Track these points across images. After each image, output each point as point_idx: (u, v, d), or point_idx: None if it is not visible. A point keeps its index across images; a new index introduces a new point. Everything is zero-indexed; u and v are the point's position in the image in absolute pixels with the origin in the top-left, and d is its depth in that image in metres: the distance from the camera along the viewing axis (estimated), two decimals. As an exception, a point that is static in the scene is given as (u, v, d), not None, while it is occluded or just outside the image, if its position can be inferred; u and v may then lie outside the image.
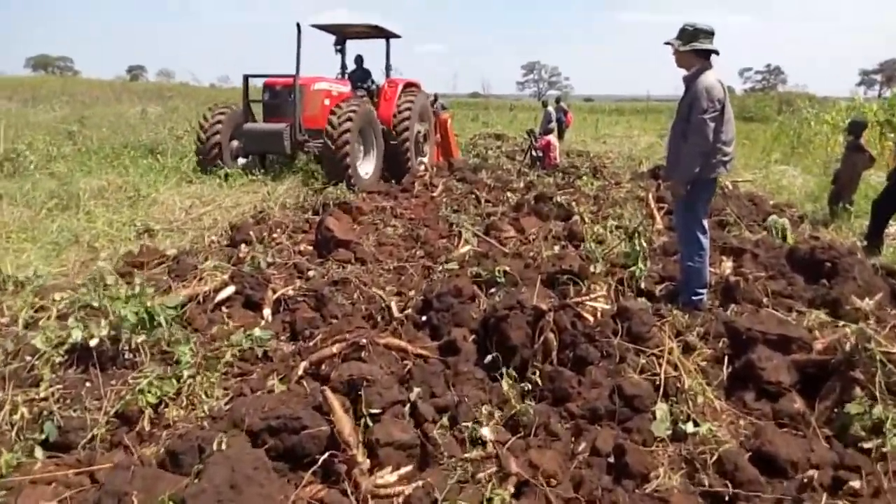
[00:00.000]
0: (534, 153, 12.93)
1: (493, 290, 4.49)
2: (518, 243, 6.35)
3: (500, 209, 8.11)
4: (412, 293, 4.52)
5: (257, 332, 3.82)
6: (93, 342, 3.14)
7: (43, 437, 2.77)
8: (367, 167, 9.82)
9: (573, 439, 2.99)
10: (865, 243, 6.47)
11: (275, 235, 5.92)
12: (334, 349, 3.39)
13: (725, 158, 4.38)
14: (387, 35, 11.24)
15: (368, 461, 2.57)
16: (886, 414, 2.87)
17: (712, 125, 4.20)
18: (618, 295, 4.70)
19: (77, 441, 2.80)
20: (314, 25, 10.62)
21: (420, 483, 2.45)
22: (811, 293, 4.68)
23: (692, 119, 4.23)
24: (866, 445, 2.81)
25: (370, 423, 2.90)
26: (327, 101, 9.92)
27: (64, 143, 12.11)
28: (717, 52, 4.30)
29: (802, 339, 3.52)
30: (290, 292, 4.46)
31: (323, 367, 3.43)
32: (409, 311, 4.20)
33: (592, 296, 3.85)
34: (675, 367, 3.39)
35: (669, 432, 2.96)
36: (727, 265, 5.22)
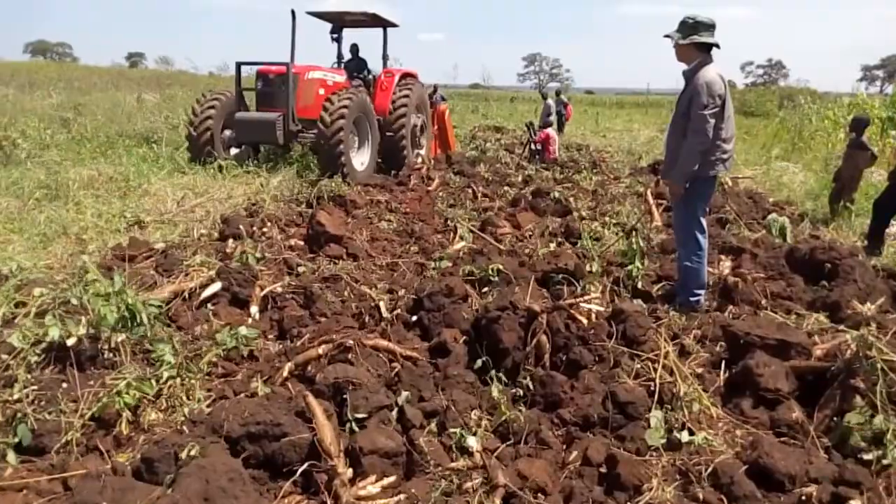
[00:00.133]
0: (533, 146, 12.81)
1: (486, 288, 4.39)
2: (514, 240, 6.25)
3: (497, 204, 8.03)
4: (403, 292, 4.41)
5: (243, 330, 3.71)
6: (70, 341, 3.03)
7: (16, 440, 2.67)
8: (361, 159, 9.67)
9: (564, 448, 2.91)
10: (866, 243, 6.38)
11: (265, 229, 5.79)
12: (320, 350, 3.29)
13: (725, 156, 4.28)
14: (384, 24, 11.07)
15: (351, 470, 2.47)
16: (887, 424, 2.78)
17: (712, 121, 4.09)
18: (613, 295, 4.62)
19: (51, 445, 2.69)
20: (310, 13, 10.45)
21: (404, 495, 2.36)
22: (811, 295, 4.59)
23: (691, 115, 4.13)
24: (866, 457, 2.73)
25: (356, 429, 2.82)
26: (322, 91, 9.76)
27: (58, 131, 11.96)
28: (717, 46, 4.19)
29: (802, 345, 3.42)
30: (279, 289, 4.36)
31: (309, 368, 3.34)
32: (400, 310, 4.10)
33: (587, 297, 3.75)
34: (671, 373, 3.30)
35: (664, 441, 2.88)
36: (726, 265, 5.12)
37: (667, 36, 4.29)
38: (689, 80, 4.19)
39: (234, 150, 9.81)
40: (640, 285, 4.77)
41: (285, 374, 3.26)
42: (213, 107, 9.40)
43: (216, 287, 4.15)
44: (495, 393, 3.10)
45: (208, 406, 3.04)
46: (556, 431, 3.02)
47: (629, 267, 4.90)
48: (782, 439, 2.93)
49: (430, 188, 8.79)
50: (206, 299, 4.11)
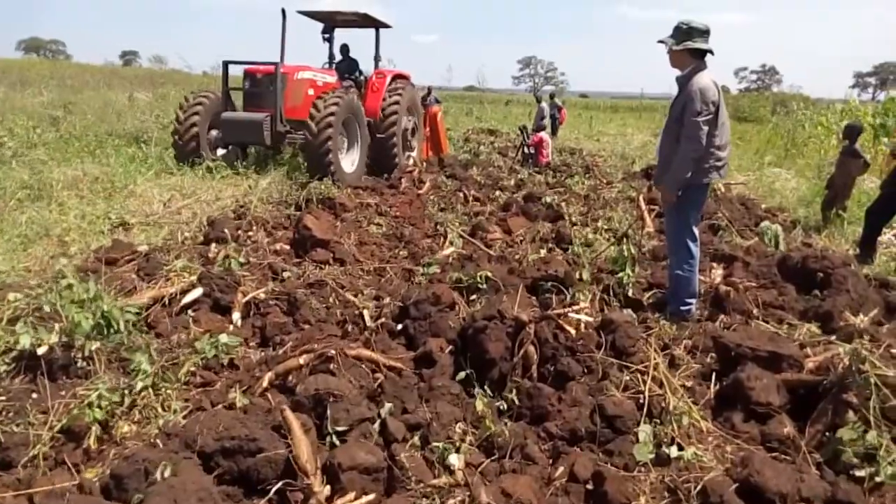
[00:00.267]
0: (526, 150, 12.75)
1: (474, 296, 4.31)
2: (504, 245, 6.18)
3: (489, 208, 7.96)
4: (389, 299, 4.32)
5: (224, 338, 3.61)
6: (41, 350, 2.93)
7: (-18, 453, 2.58)
8: (350, 161, 9.55)
9: (550, 463, 2.83)
10: (858, 251, 6.35)
11: (251, 233, 5.69)
12: (301, 360, 3.20)
13: (719, 164, 4.22)
14: (376, 24, 10.97)
15: (328, 488, 2.39)
16: (880, 441, 2.72)
17: (705, 128, 4.02)
18: (603, 304, 4.55)
19: (18, 459, 2.59)
20: (301, 12, 10.32)
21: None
22: (803, 304, 4.54)
23: (685, 121, 4.06)
24: (859, 473, 2.66)
25: (336, 442, 2.73)
26: (311, 91, 9.64)
27: (47, 130, 11.80)
28: (712, 52, 4.13)
29: (793, 357, 3.36)
30: (262, 295, 4.26)
31: (290, 378, 3.25)
32: (385, 318, 4.01)
33: (576, 307, 3.67)
34: (661, 385, 3.23)
35: (652, 456, 2.80)
36: (717, 273, 5.07)
37: (660, 42, 4.23)
38: (683, 87, 4.13)
39: (220, 151, 9.66)
40: (630, 293, 4.70)
41: (265, 384, 3.16)
42: (199, 106, 9.25)
43: (197, 293, 4.05)
44: (480, 406, 3.02)
45: (185, 417, 2.95)
46: (543, 446, 2.94)
47: (620, 274, 4.83)
48: (773, 454, 2.86)
49: (421, 191, 8.72)
50: (187, 305, 4.01)
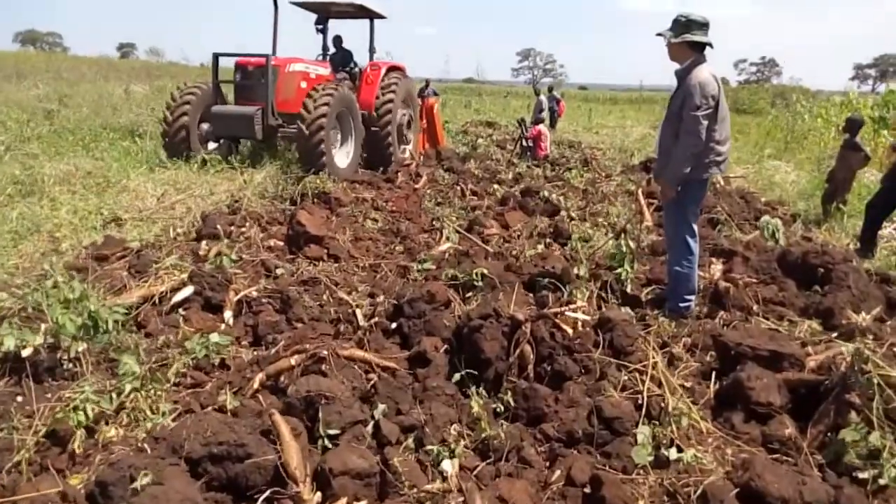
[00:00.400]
0: (524, 143, 12.65)
1: (470, 294, 4.24)
2: (501, 241, 6.10)
3: (486, 202, 7.88)
4: (383, 297, 4.25)
5: (215, 337, 3.54)
6: (25, 352, 2.87)
7: (-37, 459, 2.51)
8: (344, 155, 9.41)
9: (547, 466, 2.77)
10: (858, 245, 6.29)
11: (243, 229, 5.60)
12: (293, 360, 3.13)
13: (719, 158, 4.14)
14: (371, 15, 10.79)
15: (319, 494, 2.33)
16: (884, 442, 2.66)
17: (705, 123, 3.95)
18: (601, 301, 4.48)
19: (2, 464, 2.53)
20: (294, 2, 10.15)
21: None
22: (803, 301, 4.48)
23: (684, 116, 3.99)
24: (862, 475, 2.61)
25: (328, 445, 2.67)
26: (304, 84, 9.46)
27: (41, 123, 11.68)
28: (711, 45, 4.04)
29: (794, 356, 3.30)
30: (255, 293, 4.19)
31: (281, 379, 3.19)
32: (379, 317, 3.94)
33: (573, 305, 3.61)
34: (659, 385, 3.17)
35: (651, 459, 2.74)
36: (717, 268, 5.00)
37: (659, 34, 4.15)
38: (682, 80, 4.05)
39: (211, 145, 9.48)
40: (628, 289, 4.63)
41: (256, 385, 3.10)
42: (189, 98, 9.08)
43: (188, 291, 3.98)
44: (476, 407, 2.95)
45: (173, 420, 2.89)
46: (539, 448, 2.88)
47: (618, 270, 4.76)
48: (775, 456, 2.81)
49: (417, 185, 8.62)
50: (178, 304, 3.94)
